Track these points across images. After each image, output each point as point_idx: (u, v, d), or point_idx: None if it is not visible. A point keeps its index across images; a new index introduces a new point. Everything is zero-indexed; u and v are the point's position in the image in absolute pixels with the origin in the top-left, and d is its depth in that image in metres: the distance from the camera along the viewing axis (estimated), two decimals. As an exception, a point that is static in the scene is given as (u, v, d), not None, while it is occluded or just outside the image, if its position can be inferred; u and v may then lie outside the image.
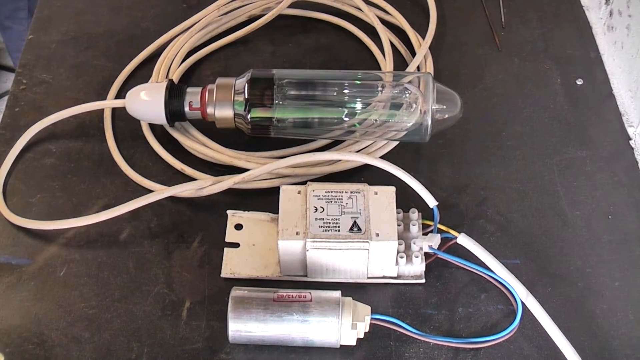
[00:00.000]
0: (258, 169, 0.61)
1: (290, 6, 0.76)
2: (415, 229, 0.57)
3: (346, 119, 0.61)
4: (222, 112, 0.62)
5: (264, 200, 0.61)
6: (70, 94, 0.71)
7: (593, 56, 0.73)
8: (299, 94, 0.62)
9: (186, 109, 0.63)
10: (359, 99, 0.62)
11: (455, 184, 0.63)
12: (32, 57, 0.74)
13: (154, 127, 0.67)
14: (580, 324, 0.54)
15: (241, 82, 0.62)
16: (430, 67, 0.71)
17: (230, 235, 0.60)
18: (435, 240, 0.56)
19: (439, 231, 0.56)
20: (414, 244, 0.56)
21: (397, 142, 0.65)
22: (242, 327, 0.51)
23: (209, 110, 0.62)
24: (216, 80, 0.63)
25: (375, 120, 0.61)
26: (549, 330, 0.52)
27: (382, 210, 0.55)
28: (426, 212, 0.58)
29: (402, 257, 0.56)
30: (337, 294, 0.52)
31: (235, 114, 0.62)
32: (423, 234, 0.57)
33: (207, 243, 0.60)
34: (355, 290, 0.56)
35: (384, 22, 0.75)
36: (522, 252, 0.59)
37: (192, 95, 0.63)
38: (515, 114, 0.69)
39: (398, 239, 0.54)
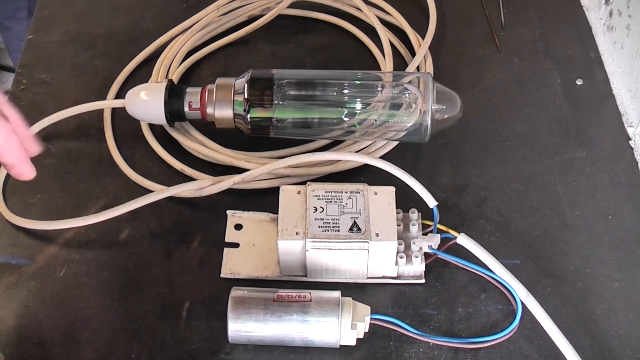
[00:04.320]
0: (258, 169, 0.61)
1: (290, 6, 0.76)
2: (415, 229, 0.57)
3: (346, 119, 0.61)
4: (222, 112, 0.62)
5: (264, 200, 0.61)
6: (70, 94, 0.71)
7: (593, 56, 0.73)
8: (298, 94, 0.62)
9: (186, 109, 0.63)
10: (358, 99, 0.62)
11: (455, 184, 0.63)
12: (32, 57, 0.74)
13: (153, 127, 0.67)
14: (580, 324, 0.54)
15: (241, 82, 0.62)
16: (430, 67, 0.71)
17: (230, 235, 0.60)
18: (435, 240, 0.56)
19: (439, 231, 0.56)
20: (414, 244, 0.56)
21: (397, 142, 0.65)
22: (241, 327, 0.51)
23: (209, 110, 0.62)
24: (216, 80, 0.63)
25: (375, 120, 0.61)
26: (549, 330, 0.52)
27: (381, 210, 0.55)
28: (426, 212, 0.58)
29: (401, 257, 0.56)
30: (336, 294, 0.52)
31: (235, 114, 0.62)
32: (423, 234, 0.57)
33: (206, 243, 0.60)
34: (355, 290, 0.56)
35: (383, 22, 0.75)
36: (522, 252, 0.59)
37: (192, 96, 0.63)
38: (515, 114, 0.69)
39: (398, 239, 0.54)
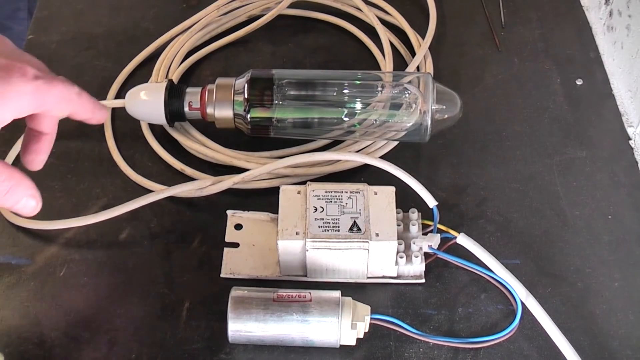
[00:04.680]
0: (258, 169, 0.61)
1: (290, 6, 0.76)
2: (415, 229, 0.57)
3: (346, 119, 0.61)
4: (222, 112, 0.62)
5: (264, 200, 0.61)
6: (70, 94, 0.70)
7: (593, 56, 0.73)
8: (298, 94, 0.62)
9: (186, 109, 0.63)
10: (358, 99, 0.62)
11: (455, 184, 0.63)
12: (32, 57, 0.74)
13: (153, 127, 0.67)
14: (580, 324, 0.54)
15: (241, 82, 0.62)
16: (430, 67, 0.71)
17: (230, 235, 0.60)
18: (435, 240, 0.56)
19: (439, 231, 0.56)
20: (414, 244, 0.56)
21: (397, 142, 0.65)
22: (241, 327, 0.51)
23: (209, 110, 0.62)
24: (216, 80, 0.63)
25: (375, 120, 0.61)
26: (549, 330, 0.52)
27: (381, 210, 0.55)
28: (426, 212, 0.58)
29: (401, 257, 0.56)
30: (336, 294, 0.52)
31: (235, 114, 0.62)
32: (423, 234, 0.57)
33: (206, 243, 0.60)
34: (355, 290, 0.56)
35: (383, 22, 0.75)
36: (522, 252, 0.59)
37: (192, 95, 0.63)
38: (515, 114, 0.69)
39: (398, 239, 0.54)
